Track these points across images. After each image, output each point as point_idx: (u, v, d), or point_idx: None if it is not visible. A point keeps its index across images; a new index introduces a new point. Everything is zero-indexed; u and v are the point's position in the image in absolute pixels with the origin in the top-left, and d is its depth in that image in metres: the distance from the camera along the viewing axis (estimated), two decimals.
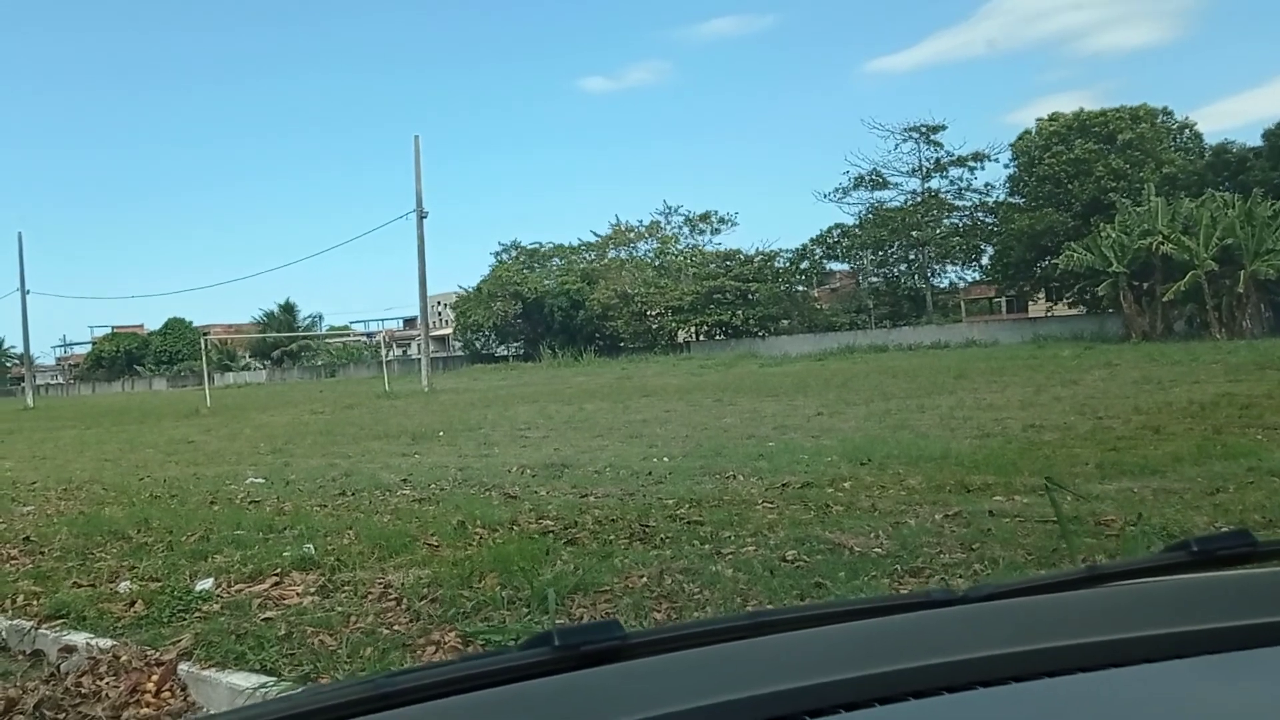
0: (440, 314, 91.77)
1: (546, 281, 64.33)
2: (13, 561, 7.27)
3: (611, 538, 6.52)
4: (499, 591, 5.23)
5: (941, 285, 58.42)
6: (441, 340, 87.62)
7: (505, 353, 69.32)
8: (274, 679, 4.29)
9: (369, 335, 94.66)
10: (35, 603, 5.92)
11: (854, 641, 1.09)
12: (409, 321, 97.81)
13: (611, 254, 66.04)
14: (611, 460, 11.07)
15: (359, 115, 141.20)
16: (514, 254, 69.44)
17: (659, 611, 4.87)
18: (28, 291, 53.91)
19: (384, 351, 63.90)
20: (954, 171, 55.36)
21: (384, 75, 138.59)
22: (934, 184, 55.92)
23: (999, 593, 1.21)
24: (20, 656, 5.38)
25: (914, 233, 54.33)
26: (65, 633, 5.36)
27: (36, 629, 5.51)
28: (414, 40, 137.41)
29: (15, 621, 5.71)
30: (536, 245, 69.88)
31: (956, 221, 55.79)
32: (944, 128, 54.83)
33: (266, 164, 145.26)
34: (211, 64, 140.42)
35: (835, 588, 5.05)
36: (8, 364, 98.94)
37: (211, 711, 4.38)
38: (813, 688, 0.95)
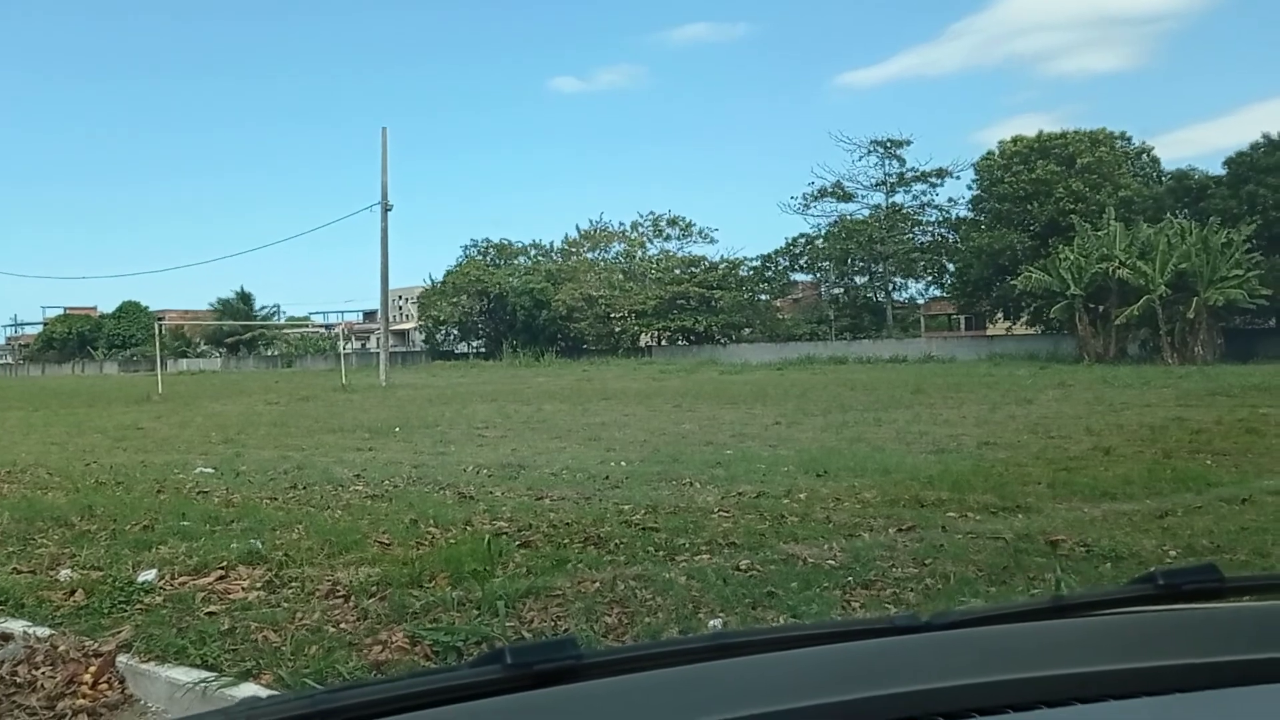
0: (402, 308, 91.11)
1: (512, 280, 64.11)
2: None
3: (566, 541, 6.48)
4: (449, 592, 5.17)
5: (902, 299, 58.99)
6: (402, 335, 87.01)
7: (466, 350, 68.94)
8: (214, 675, 4.21)
9: (328, 327, 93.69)
10: None
11: (816, 667, 1.07)
12: (369, 314, 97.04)
13: (584, 255, 65.95)
14: (569, 463, 11.02)
15: (328, 108, 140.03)
16: (483, 250, 69.13)
17: (610, 616, 4.84)
18: None
19: (342, 344, 63.22)
20: (917, 187, 56.08)
21: (354, 68, 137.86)
22: (897, 199, 56.56)
23: (963, 620, 1.19)
24: None
25: (876, 246, 54.80)
26: (2, 620, 5.23)
27: None
28: (385, 34, 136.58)
29: None
30: (505, 242, 69.70)
31: (919, 237, 56.36)
32: (909, 143, 55.52)
33: (233, 153, 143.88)
34: (179, 51, 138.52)
35: (788, 597, 5.05)
36: None
37: (150, 705, 4.28)
38: (773, 715, 0.92)
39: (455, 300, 64.62)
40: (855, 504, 7.81)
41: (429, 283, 69.83)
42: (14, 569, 6.18)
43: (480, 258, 68.23)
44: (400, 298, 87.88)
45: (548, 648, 1.00)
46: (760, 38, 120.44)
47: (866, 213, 56.47)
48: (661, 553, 6.12)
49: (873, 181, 56.52)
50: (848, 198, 57.09)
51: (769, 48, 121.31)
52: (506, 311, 63.05)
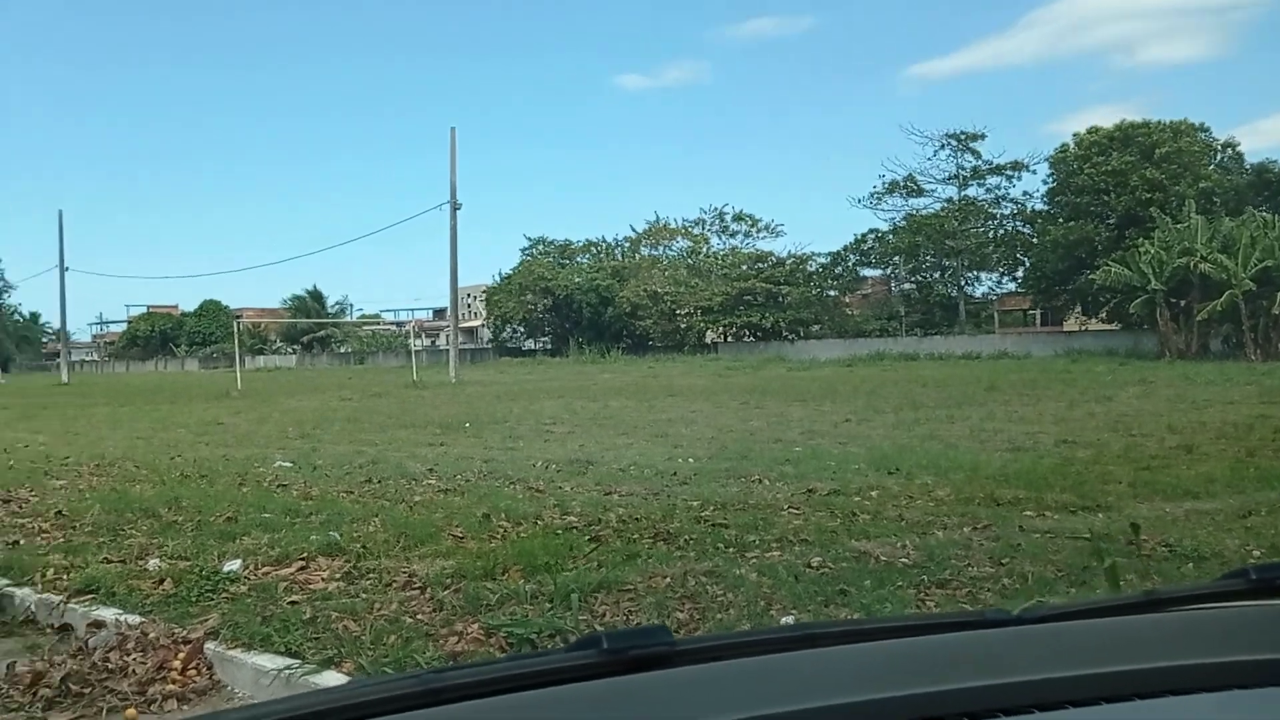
0: (470, 305, 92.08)
1: (576, 278, 64.42)
2: (44, 535, 7.36)
3: (635, 536, 6.52)
4: (522, 586, 5.24)
5: (975, 295, 58.02)
6: (470, 332, 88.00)
7: (533, 346, 69.56)
8: (298, 662, 4.32)
9: (398, 324, 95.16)
10: (65, 577, 5.99)
11: (906, 659, 1.08)
12: (439, 312, 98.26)
13: (645, 252, 66.08)
14: (636, 459, 11.06)
15: (395, 102, 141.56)
16: (542, 249, 69.63)
17: (682, 611, 4.86)
18: (66, 268, 54.61)
19: (412, 341, 64.18)
20: (991, 180, 54.97)
21: (421, 63, 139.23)
22: (971, 192, 55.55)
23: (1055, 614, 1.19)
24: (49, 630, 5.44)
25: (949, 241, 53.92)
26: (94, 608, 5.43)
27: (66, 603, 5.58)
28: (450, 29, 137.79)
29: (45, 595, 5.78)
30: (568, 242, 70.13)
31: (992, 231, 55.40)
32: (983, 136, 54.38)
33: (303, 149, 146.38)
34: (252, 46, 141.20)
35: (861, 596, 5.03)
36: (44, 339, 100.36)
37: (236, 690, 4.41)
38: (864, 704, 0.93)
39: (520, 298, 65.17)
40: (928, 502, 7.72)
41: (497, 278, 70.59)
42: (105, 558, 6.41)
43: (542, 256, 68.68)
44: (468, 295, 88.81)
45: (642, 634, 1.03)
46: (828, 30, 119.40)
47: (938, 207, 55.64)
48: (732, 549, 6.12)
49: (945, 175, 55.66)
50: (919, 192, 56.29)
51: (837, 41, 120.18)
52: (572, 308, 63.41)
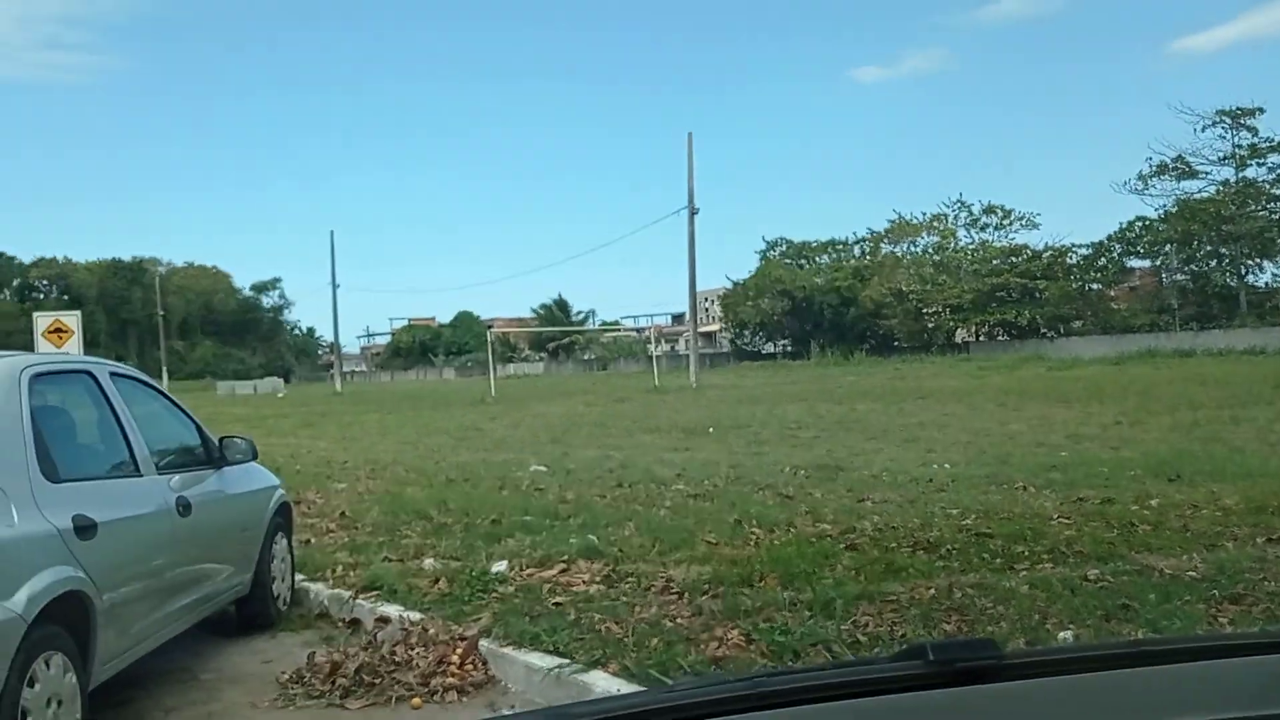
0: (708, 309, 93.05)
1: (816, 279, 63.64)
2: (331, 535, 8.00)
3: (893, 545, 6.33)
4: (780, 593, 5.20)
5: (1258, 284, 52.87)
6: (708, 336, 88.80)
7: (772, 350, 69.35)
8: (567, 661, 4.47)
9: (638, 330, 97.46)
10: (352, 574, 6.49)
11: (1254, 679, 0.99)
12: (677, 317, 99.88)
13: (886, 249, 64.38)
14: (887, 464, 10.77)
15: (633, 106, 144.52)
16: (781, 250, 69.22)
17: (949, 624, 4.68)
18: (338, 285, 59.59)
19: (652, 347, 65.53)
20: (1273, 159, 49.97)
21: (657, 68, 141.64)
22: (1250, 173, 50.73)
23: None
24: (340, 624, 5.90)
25: (1226, 226, 49.46)
26: (379, 604, 5.84)
27: (354, 599, 6.04)
28: (685, 32, 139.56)
29: (335, 591, 6.29)
30: (806, 242, 69.43)
31: (1276, 213, 50.32)
32: (1261, 111, 49.55)
33: (546, 160, 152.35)
34: (503, 65, 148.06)
35: (1144, 611, 4.71)
36: (319, 352, 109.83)
37: (510, 686, 4.62)
38: None
39: (756, 301, 65.08)
40: (1215, 511, 7.10)
41: (729, 283, 70.85)
42: (385, 558, 6.88)
43: (780, 258, 68.29)
44: (706, 299, 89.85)
45: (969, 646, 1.01)
46: (1080, 6, 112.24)
47: (1213, 189, 51.14)
48: (998, 560, 5.84)
49: (1219, 156, 51.12)
50: (1191, 174, 51.94)
51: (1090, 17, 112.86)
52: (812, 310, 62.72)
